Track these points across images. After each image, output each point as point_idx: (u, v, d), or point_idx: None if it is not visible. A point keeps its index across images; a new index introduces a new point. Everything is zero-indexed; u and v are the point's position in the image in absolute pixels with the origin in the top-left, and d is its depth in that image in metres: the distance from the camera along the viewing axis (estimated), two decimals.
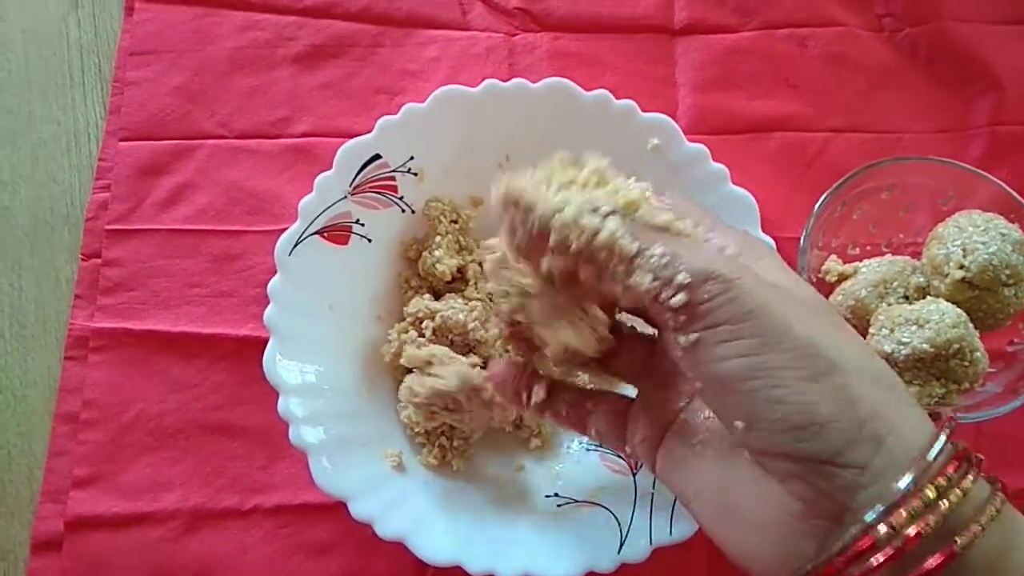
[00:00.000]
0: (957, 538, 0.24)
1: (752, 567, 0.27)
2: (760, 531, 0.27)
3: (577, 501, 0.44)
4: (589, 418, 0.35)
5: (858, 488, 0.24)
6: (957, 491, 0.24)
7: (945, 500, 0.24)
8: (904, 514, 0.24)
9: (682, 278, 0.26)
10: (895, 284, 0.46)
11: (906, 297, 0.45)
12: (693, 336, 0.26)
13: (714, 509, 0.29)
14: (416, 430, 0.45)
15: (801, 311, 0.26)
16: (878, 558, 0.24)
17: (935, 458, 0.24)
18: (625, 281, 0.27)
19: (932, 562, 0.24)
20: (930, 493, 0.24)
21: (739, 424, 0.26)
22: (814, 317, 0.27)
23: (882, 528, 0.24)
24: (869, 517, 0.24)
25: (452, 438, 0.45)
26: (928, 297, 0.45)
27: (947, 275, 0.44)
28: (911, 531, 0.24)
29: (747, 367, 0.25)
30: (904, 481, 0.24)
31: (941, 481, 0.24)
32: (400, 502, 0.42)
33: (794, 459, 0.25)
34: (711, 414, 0.31)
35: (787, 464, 0.25)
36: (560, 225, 0.27)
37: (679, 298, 0.26)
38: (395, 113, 0.46)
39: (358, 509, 0.40)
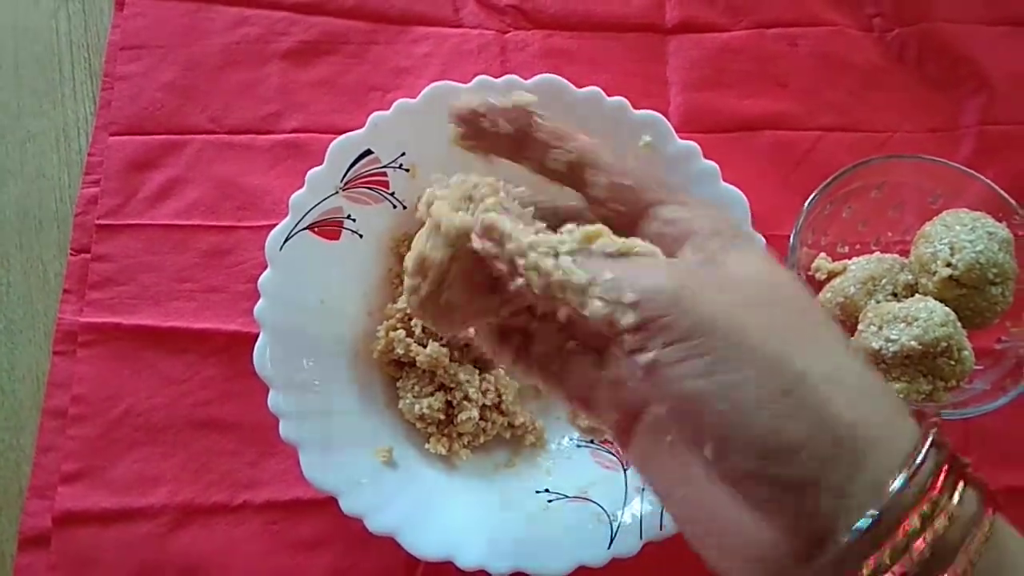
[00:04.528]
0: None
1: None
2: (740, 558, 0.24)
3: (568, 497, 0.44)
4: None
5: (839, 514, 0.21)
6: (942, 518, 0.22)
7: (930, 531, 0.21)
8: (886, 549, 0.21)
9: (630, 296, 0.23)
10: (884, 282, 0.46)
11: (894, 295, 0.46)
12: (649, 356, 0.23)
13: (687, 517, 0.27)
14: (425, 419, 0.45)
15: (762, 316, 0.24)
16: None
17: (907, 482, 0.22)
18: (582, 314, 0.25)
19: None
20: (912, 524, 0.21)
21: (708, 451, 0.23)
22: (783, 321, 0.24)
23: (868, 566, 0.21)
24: (843, 543, 0.21)
25: (461, 430, 0.45)
26: (917, 295, 0.45)
27: (935, 273, 0.44)
28: (897, 568, 0.21)
29: (707, 387, 0.22)
30: (876, 509, 0.21)
31: (925, 508, 0.21)
32: (391, 497, 0.42)
33: (770, 484, 0.22)
34: None
35: (763, 489, 0.22)
36: (527, 270, 0.26)
37: (629, 318, 0.23)
38: (387, 110, 0.46)
39: (349, 504, 0.40)
